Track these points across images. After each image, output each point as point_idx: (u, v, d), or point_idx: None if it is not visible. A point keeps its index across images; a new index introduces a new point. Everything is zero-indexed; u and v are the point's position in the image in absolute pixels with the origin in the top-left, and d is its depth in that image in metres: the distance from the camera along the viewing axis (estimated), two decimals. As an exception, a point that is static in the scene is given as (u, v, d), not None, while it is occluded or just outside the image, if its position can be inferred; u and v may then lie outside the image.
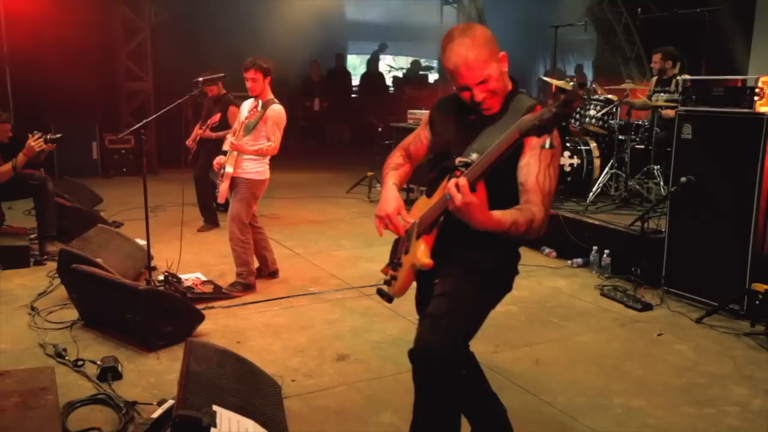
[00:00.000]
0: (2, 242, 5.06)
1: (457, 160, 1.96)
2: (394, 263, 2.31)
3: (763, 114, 4.01)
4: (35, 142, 5.15)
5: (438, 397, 2.10)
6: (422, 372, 2.08)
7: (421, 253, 2.10)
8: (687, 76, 5.41)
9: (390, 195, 2.31)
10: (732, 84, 4.32)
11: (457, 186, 1.77)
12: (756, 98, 4.05)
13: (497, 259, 2.22)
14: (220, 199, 4.61)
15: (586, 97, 6.20)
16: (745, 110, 4.11)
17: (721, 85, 4.31)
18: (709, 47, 5.67)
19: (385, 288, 2.33)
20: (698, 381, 3.37)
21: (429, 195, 2.26)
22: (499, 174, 1.89)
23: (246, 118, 4.53)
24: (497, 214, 1.89)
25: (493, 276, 2.21)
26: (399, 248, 2.31)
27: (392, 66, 14.76)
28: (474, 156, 1.95)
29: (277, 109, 4.50)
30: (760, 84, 4.06)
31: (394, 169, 2.45)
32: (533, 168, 2.01)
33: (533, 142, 1.99)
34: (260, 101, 4.53)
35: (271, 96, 4.57)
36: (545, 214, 1.99)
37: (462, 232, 2.09)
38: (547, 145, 1.68)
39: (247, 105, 4.67)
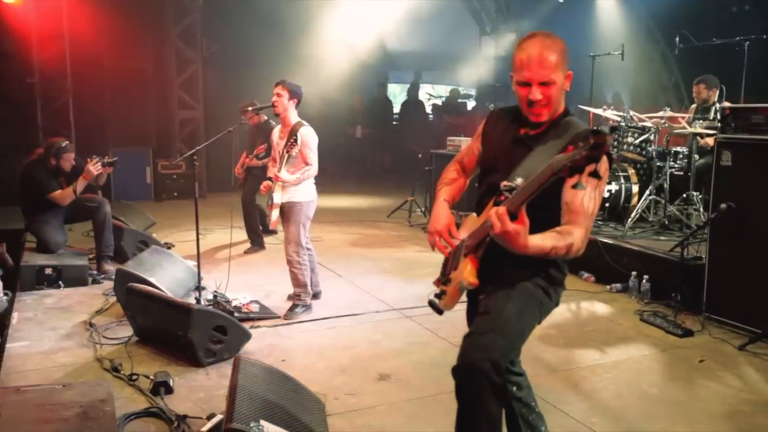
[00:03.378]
0: (63, 261, 5.31)
1: (503, 184, 2.02)
2: (444, 278, 2.36)
3: (805, 141, 4.01)
4: (93, 166, 5.45)
5: (479, 413, 2.15)
6: (464, 388, 2.14)
7: (467, 272, 2.15)
8: (727, 104, 5.40)
9: (441, 212, 2.37)
10: (772, 111, 4.29)
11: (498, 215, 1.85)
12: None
13: (541, 276, 2.26)
14: (272, 227, 4.73)
15: (617, 139, 6.20)
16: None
17: (760, 112, 4.30)
18: (749, 75, 5.66)
19: (436, 301, 2.38)
20: (743, 409, 3.33)
21: (478, 213, 2.31)
22: (546, 194, 1.93)
23: (285, 147, 4.58)
24: (537, 239, 1.95)
25: (536, 293, 2.24)
26: (449, 264, 2.36)
27: (431, 94, 14.93)
28: (519, 181, 2.01)
29: (305, 132, 4.56)
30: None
31: (448, 184, 2.51)
32: (580, 190, 2.05)
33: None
34: (288, 128, 4.61)
35: (297, 120, 4.65)
36: (585, 235, 2.04)
37: (506, 251, 2.17)
38: (579, 186, 1.72)
39: (277, 131, 4.79)
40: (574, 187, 1.73)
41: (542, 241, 1.97)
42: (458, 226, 2.38)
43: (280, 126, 4.78)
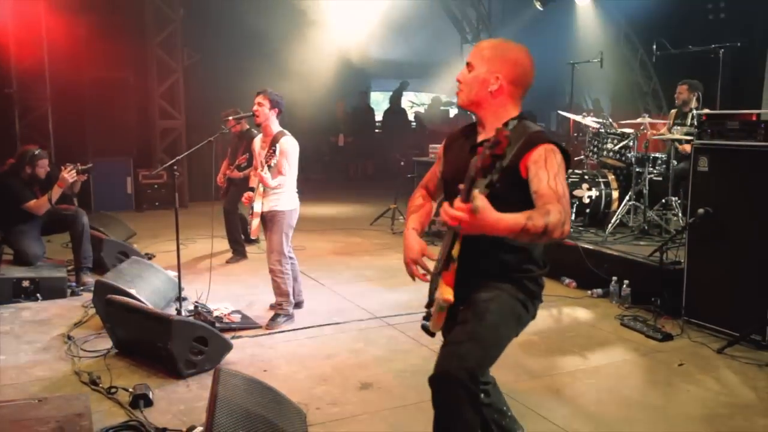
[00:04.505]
0: (41, 274, 5.24)
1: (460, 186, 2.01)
2: (429, 301, 2.37)
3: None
4: (68, 173, 5.38)
5: (455, 422, 2.16)
6: (440, 397, 2.16)
7: (442, 290, 2.15)
8: (707, 111, 5.48)
9: (411, 241, 2.35)
10: (745, 118, 4.37)
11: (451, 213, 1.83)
12: (773, 131, 4.11)
13: (519, 289, 2.26)
14: (252, 236, 4.70)
15: (596, 145, 6.34)
16: (763, 143, 4.15)
17: (734, 118, 4.37)
18: (723, 82, 5.77)
19: (427, 324, 2.36)
20: (721, 412, 3.37)
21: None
22: (508, 198, 1.96)
23: (265, 157, 4.55)
24: (509, 215, 1.89)
25: (514, 306, 2.25)
26: (432, 286, 2.36)
27: (414, 102, 15.01)
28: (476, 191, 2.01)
29: (285, 142, 4.54)
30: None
31: (415, 211, 2.50)
32: (543, 176, 2.07)
33: (533, 157, 2.10)
34: (270, 137, 4.60)
35: (279, 129, 4.63)
36: (563, 212, 1.98)
37: (481, 262, 2.16)
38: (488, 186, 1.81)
39: (258, 139, 4.78)
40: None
41: (515, 216, 1.90)
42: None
43: (261, 135, 4.77)
